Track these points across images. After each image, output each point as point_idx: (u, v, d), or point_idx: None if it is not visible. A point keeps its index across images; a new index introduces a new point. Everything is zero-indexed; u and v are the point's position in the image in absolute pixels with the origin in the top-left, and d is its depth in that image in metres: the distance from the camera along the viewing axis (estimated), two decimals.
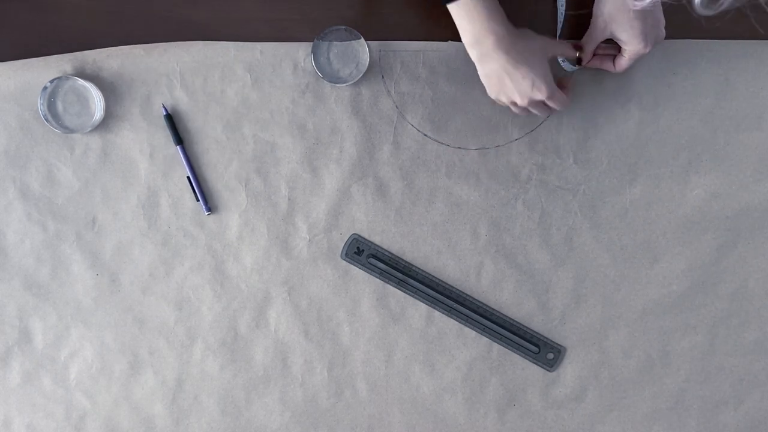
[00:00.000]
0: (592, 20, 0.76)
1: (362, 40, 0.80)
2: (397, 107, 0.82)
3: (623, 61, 0.76)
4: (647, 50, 0.74)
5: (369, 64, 0.80)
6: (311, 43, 0.80)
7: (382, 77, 0.81)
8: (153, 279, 0.83)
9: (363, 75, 0.80)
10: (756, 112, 0.83)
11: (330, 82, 0.81)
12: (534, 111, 0.76)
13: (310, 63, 0.80)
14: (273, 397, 0.85)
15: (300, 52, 0.81)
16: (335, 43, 0.81)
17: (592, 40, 0.76)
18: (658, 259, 0.85)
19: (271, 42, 0.81)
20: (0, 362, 0.84)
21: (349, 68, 0.81)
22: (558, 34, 0.81)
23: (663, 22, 0.76)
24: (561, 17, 0.80)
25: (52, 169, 0.81)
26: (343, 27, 0.80)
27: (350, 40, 0.80)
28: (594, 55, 0.78)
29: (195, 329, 0.84)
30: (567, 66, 0.81)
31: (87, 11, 0.80)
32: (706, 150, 0.84)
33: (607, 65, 0.78)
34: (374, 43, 0.81)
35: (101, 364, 0.84)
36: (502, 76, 0.73)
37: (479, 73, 0.74)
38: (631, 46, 0.74)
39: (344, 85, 0.81)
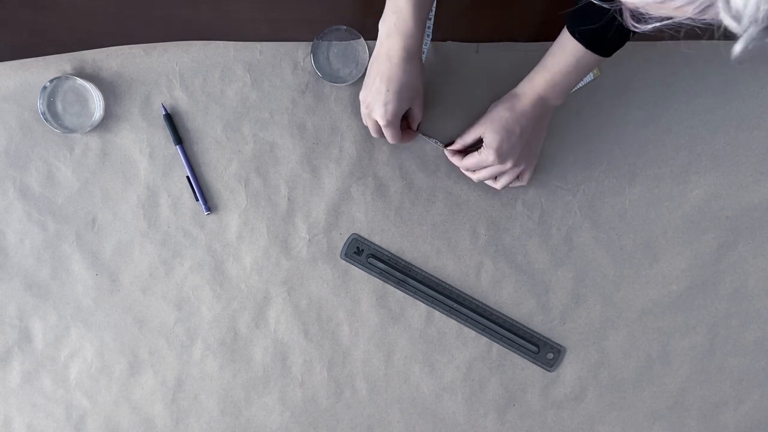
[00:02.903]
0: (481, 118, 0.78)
1: (362, 39, 0.80)
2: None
3: (468, 162, 0.78)
4: (498, 163, 0.75)
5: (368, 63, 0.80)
6: (311, 42, 0.80)
7: None
8: (153, 279, 0.83)
9: (363, 75, 0.80)
10: (756, 112, 0.83)
11: (330, 81, 0.81)
12: (370, 128, 0.77)
13: (309, 63, 0.80)
14: (272, 396, 0.85)
15: (300, 51, 0.81)
16: (335, 42, 0.81)
17: (469, 133, 0.78)
18: (658, 259, 0.85)
19: (271, 42, 0.81)
20: (0, 362, 0.84)
21: (348, 68, 0.81)
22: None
23: (535, 160, 0.78)
24: (426, 45, 0.80)
25: (51, 169, 0.81)
26: (343, 27, 0.80)
27: (350, 40, 0.80)
28: (461, 153, 0.80)
29: (195, 329, 0.84)
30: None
31: (87, 11, 0.80)
32: (706, 150, 0.84)
33: (457, 161, 0.80)
34: (374, 43, 0.81)
35: (101, 364, 0.84)
36: (374, 61, 0.73)
37: (375, 50, 0.74)
38: (485, 151, 0.75)
39: (344, 84, 0.81)
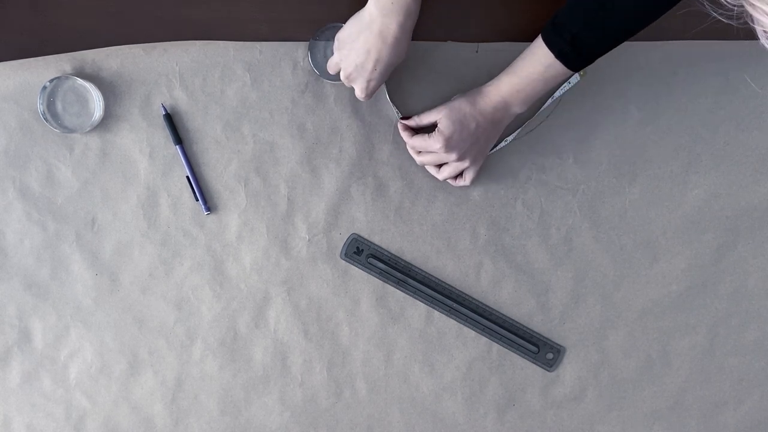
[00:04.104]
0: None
1: None
2: (395, 108, 0.82)
3: (416, 142, 0.78)
4: (444, 152, 0.76)
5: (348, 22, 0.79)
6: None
7: None
8: (153, 279, 0.83)
9: None
10: (756, 112, 0.83)
11: (327, 79, 0.80)
12: (345, 83, 0.76)
13: (307, 61, 0.80)
14: (272, 396, 0.85)
15: (299, 51, 0.81)
16: (333, 40, 0.80)
17: (427, 114, 0.78)
18: (658, 259, 0.85)
19: (271, 42, 0.81)
20: (0, 362, 0.84)
21: None
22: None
23: (481, 161, 0.79)
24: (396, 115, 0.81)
25: (51, 168, 0.81)
26: (341, 24, 0.80)
27: None
28: (412, 130, 0.80)
29: (194, 329, 0.84)
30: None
31: (87, 11, 0.80)
32: (706, 150, 0.84)
33: (406, 137, 0.80)
34: None
35: (101, 364, 0.84)
36: (362, 30, 0.71)
37: (363, 20, 0.72)
38: (434, 136, 0.76)
39: (341, 82, 0.80)
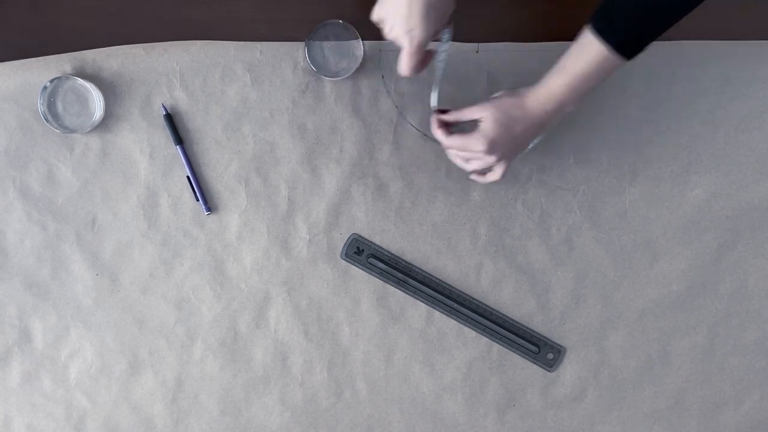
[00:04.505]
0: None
1: (356, 34, 0.79)
2: (397, 107, 0.82)
3: (454, 142, 0.74)
4: (485, 154, 0.72)
5: (364, 59, 0.80)
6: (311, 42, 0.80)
7: (382, 77, 0.81)
8: (153, 279, 0.83)
9: (361, 72, 0.80)
10: (756, 112, 0.83)
11: (325, 76, 0.80)
12: (390, 38, 0.69)
13: (305, 58, 0.80)
14: (273, 396, 0.85)
15: (299, 51, 0.81)
16: (331, 36, 0.80)
17: (470, 110, 0.73)
18: (658, 259, 0.85)
19: (271, 42, 0.81)
20: (0, 362, 0.84)
21: (345, 61, 0.81)
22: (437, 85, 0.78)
23: (516, 158, 0.74)
24: (439, 71, 0.77)
25: (52, 168, 0.81)
26: (339, 21, 0.79)
27: (346, 36, 0.80)
28: (447, 127, 0.76)
29: (195, 329, 0.84)
30: (441, 46, 0.74)
31: (87, 11, 0.80)
32: (706, 150, 0.84)
33: (441, 135, 0.75)
34: (375, 43, 0.81)
35: (101, 364, 0.84)
36: None
37: None
38: (476, 136, 0.71)
39: (339, 78, 0.80)
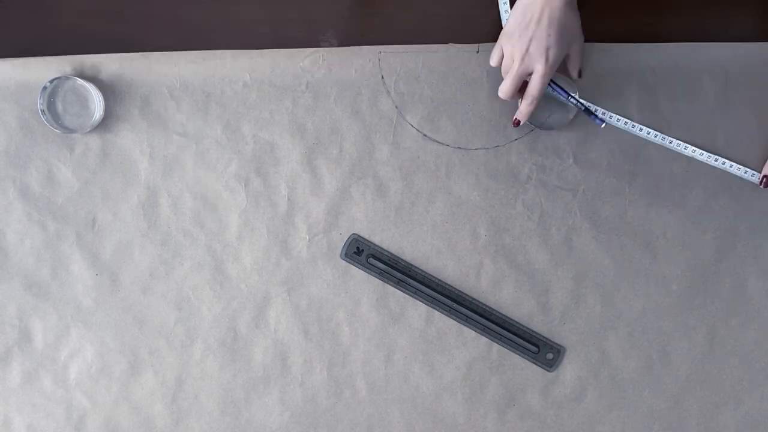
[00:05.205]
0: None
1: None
2: (396, 107, 0.82)
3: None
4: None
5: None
6: (312, 47, 0.80)
7: (382, 77, 0.81)
8: (153, 279, 0.83)
9: (362, 72, 0.80)
10: (755, 112, 0.83)
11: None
12: (508, 82, 0.71)
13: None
14: (272, 396, 0.85)
15: (300, 53, 0.81)
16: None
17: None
18: (658, 259, 0.85)
19: (271, 42, 0.81)
20: (0, 362, 0.84)
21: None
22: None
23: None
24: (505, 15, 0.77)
25: (51, 168, 0.81)
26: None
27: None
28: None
29: (195, 329, 0.84)
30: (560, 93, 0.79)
31: (87, 12, 0.80)
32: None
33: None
34: (375, 45, 0.81)
35: (101, 364, 0.84)
36: (536, 16, 0.66)
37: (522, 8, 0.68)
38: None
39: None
